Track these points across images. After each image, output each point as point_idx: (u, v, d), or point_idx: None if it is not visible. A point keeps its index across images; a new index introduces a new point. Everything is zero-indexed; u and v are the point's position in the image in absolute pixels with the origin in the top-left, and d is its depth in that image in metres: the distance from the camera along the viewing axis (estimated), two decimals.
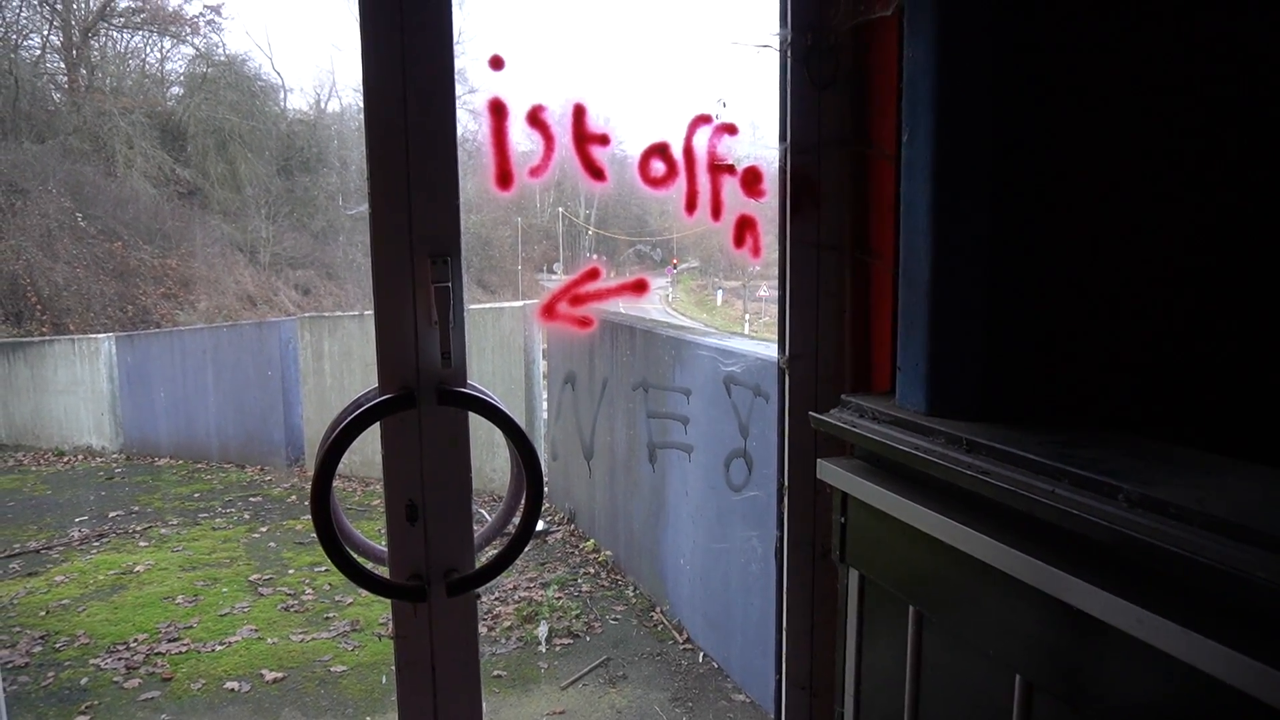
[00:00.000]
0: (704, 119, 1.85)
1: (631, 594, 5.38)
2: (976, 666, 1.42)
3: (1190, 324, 1.61)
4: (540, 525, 6.47)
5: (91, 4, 14.41)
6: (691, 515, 4.70)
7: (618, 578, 5.63)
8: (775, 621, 2.08)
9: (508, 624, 4.84)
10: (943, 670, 1.52)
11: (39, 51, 14.19)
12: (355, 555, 1.70)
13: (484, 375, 7.10)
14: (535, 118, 1.71)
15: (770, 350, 3.66)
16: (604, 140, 1.76)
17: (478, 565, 1.75)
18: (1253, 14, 1.58)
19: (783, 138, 1.90)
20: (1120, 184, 1.58)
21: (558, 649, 4.63)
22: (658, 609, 5.12)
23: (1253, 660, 0.92)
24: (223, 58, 15.21)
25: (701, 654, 4.54)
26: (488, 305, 8.27)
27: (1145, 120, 1.58)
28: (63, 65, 14.52)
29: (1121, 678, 1.13)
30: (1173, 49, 1.57)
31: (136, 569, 5.84)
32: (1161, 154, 1.59)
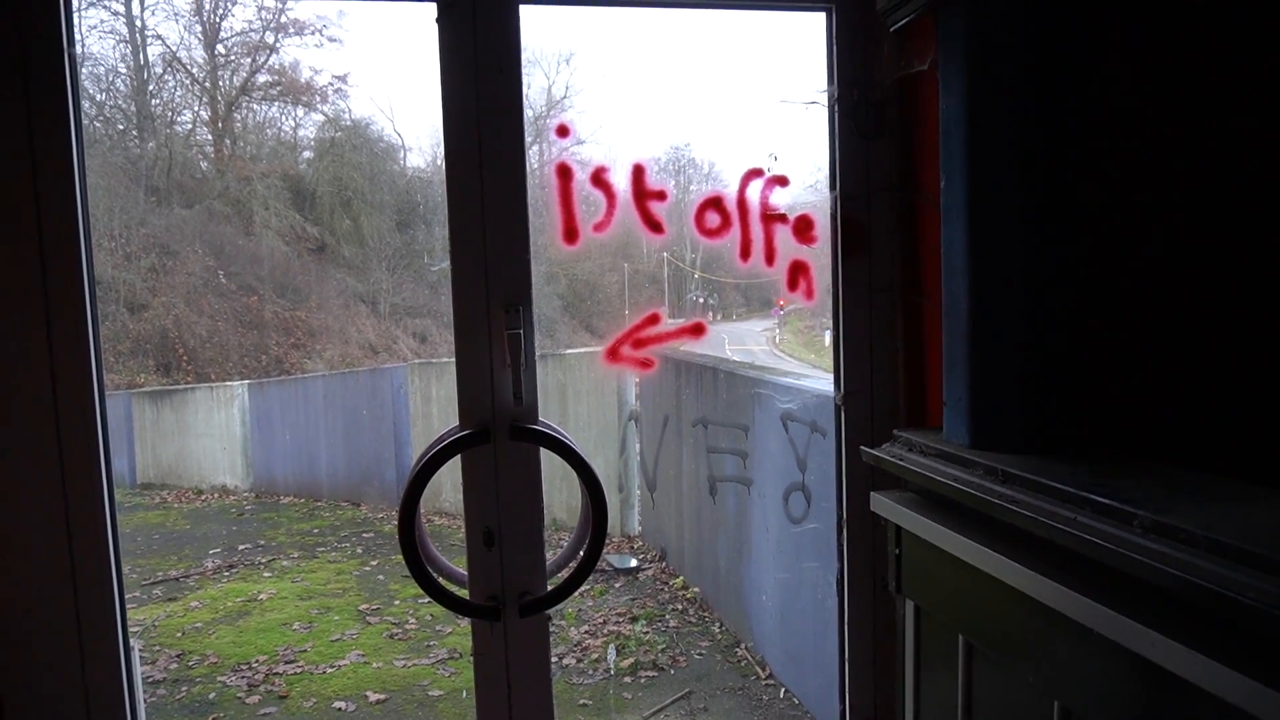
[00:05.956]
0: (756, 172, 1.98)
1: (717, 630, 5.43)
2: (1020, 695, 1.45)
3: (1233, 353, 1.61)
4: (633, 562, 6.58)
5: (235, 80, 15.82)
6: (772, 551, 4.75)
7: (705, 614, 5.68)
8: (838, 652, 2.12)
9: (595, 656, 4.98)
10: (992, 699, 1.55)
11: (190, 126, 15.68)
12: (439, 577, 1.88)
13: (578, 416, 7.30)
14: (598, 178, 1.89)
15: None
16: (661, 196, 1.92)
17: (549, 589, 1.89)
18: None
19: (833, 186, 2.01)
20: (1155, 220, 1.62)
21: (643, 681, 4.72)
22: (742, 645, 5.15)
23: (1245, 677, 0.96)
24: (349, 122, 16.35)
25: (783, 689, 4.54)
26: (582, 350, 8.52)
27: (1176, 159, 1.61)
28: (209, 137, 15.96)
29: (1147, 704, 1.16)
30: (1199, 88, 1.60)
31: (260, 597, 6.33)
32: (1195, 190, 1.62)
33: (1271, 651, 0.96)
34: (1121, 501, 1.23)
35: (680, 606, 5.81)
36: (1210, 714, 1.03)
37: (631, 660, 4.93)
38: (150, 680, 4.89)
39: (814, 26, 2.01)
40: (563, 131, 1.92)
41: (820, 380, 4.76)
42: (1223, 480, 1.34)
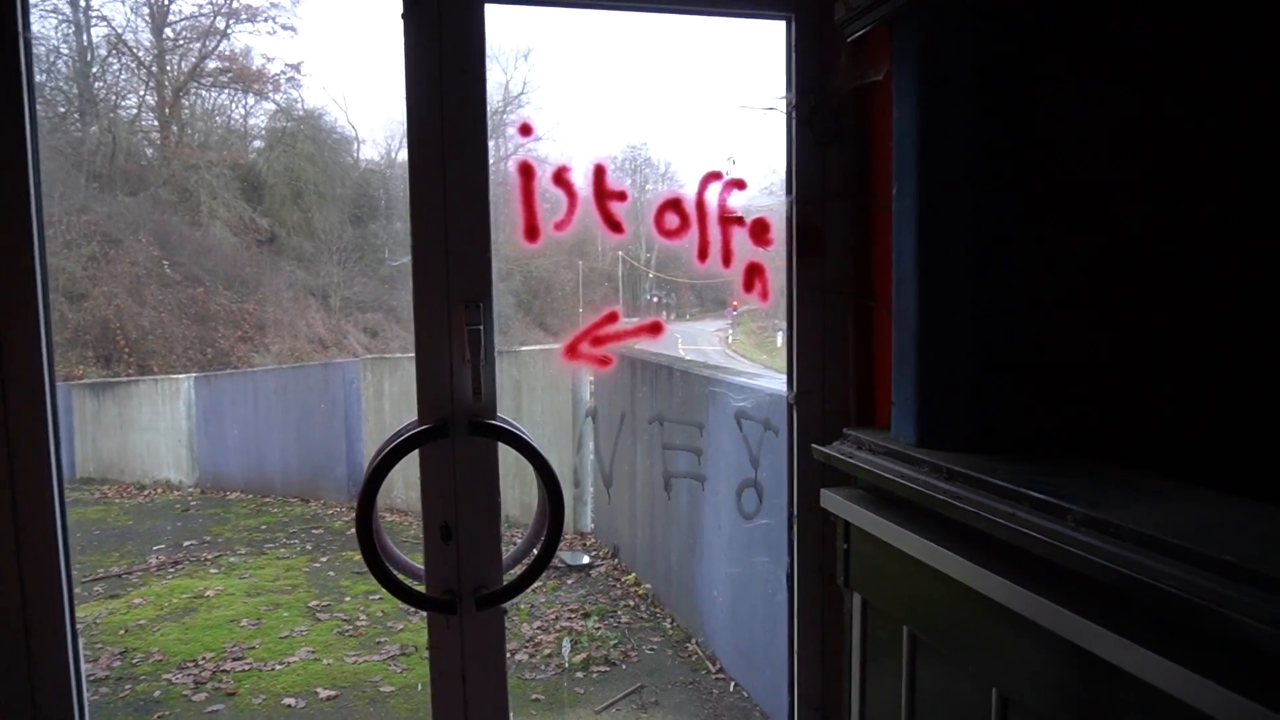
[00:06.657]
0: (715, 175, 2.02)
1: (669, 626, 5.51)
2: (961, 684, 1.51)
3: (1169, 357, 1.70)
4: (585, 559, 6.61)
5: (183, 65, 15.41)
6: (724, 547, 4.84)
7: (656, 610, 5.76)
8: (787, 645, 2.18)
9: (547, 651, 5.03)
10: (935, 688, 1.61)
11: (135, 110, 15.24)
12: (395, 571, 1.89)
13: (534, 413, 7.30)
14: (560, 177, 1.91)
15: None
16: (622, 196, 1.95)
17: (505, 583, 1.90)
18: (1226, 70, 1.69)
19: (789, 191, 2.06)
20: (1100, 226, 1.69)
21: (594, 676, 4.78)
22: (693, 640, 5.24)
23: (1168, 661, 1.02)
24: (301, 112, 16.07)
25: (732, 683, 4.63)
26: (538, 347, 8.52)
27: (1122, 167, 1.69)
28: (156, 123, 15.53)
29: (1080, 689, 1.22)
30: (1144, 98, 1.69)
31: (207, 594, 6.21)
32: (1141, 195, 1.70)
33: (1191, 636, 1.03)
34: (1056, 497, 1.29)
35: (632, 603, 5.87)
36: (1137, 697, 1.09)
37: (584, 655, 4.98)
38: (93, 678, 4.77)
39: (773, 34, 2.06)
40: (525, 130, 1.97)
41: (772, 380, 4.86)
42: (1153, 477, 1.41)
